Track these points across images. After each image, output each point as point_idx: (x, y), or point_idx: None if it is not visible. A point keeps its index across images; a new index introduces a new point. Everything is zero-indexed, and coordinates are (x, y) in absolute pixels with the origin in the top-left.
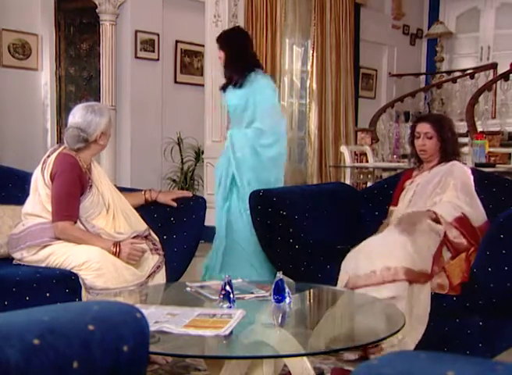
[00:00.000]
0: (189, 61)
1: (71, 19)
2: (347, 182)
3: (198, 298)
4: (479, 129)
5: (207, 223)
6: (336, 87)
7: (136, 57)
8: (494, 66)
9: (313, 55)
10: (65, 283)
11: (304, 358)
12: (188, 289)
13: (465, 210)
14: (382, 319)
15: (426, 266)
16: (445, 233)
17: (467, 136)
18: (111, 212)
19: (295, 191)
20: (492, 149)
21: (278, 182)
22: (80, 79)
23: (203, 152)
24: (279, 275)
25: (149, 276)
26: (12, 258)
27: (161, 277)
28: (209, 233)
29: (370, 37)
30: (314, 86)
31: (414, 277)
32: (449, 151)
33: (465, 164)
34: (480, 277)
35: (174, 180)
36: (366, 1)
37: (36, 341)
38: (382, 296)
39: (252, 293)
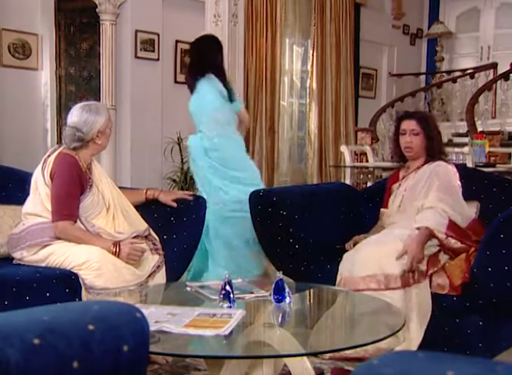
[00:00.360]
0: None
1: (71, 19)
2: (347, 182)
3: (198, 298)
4: (479, 129)
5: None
6: (336, 87)
7: (136, 57)
8: (494, 65)
9: (313, 55)
10: (65, 283)
11: (304, 358)
12: (188, 289)
13: (450, 214)
14: (382, 318)
15: (421, 266)
16: (442, 243)
17: (467, 136)
18: (111, 211)
19: (295, 191)
20: (492, 149)
21: (233, 181)
22: (80, 79)
23: None
24: (279, 275)
25: (149, 276)
26: (12, 258)
27: (161, 277)
28: None
29: (370, 37)
30: (314, 86)
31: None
32: (435, 149)
33: (450, 163)
34: (480, 277)
35: (174, 180)
36: (366, 1)
37: (36, 341)
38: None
39: (252, 293)
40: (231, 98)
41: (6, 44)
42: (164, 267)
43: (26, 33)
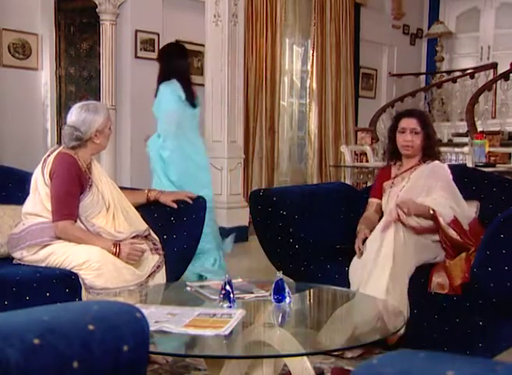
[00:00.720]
0: (189, 61)
1: (71, 19)
2: (347, 182)
3: (198, 298)
4: (479, 129)
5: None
6: (336, 86)
7: (137, 57)
8: (494, 65)
9: (313, 55)
10: (65, 283)
11: (304, 357)
12: (188, 289)
13: (456, 212)
14: (382, 318)
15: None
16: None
17: (467, 136)
18: (111, 211)
19: (295, 190)
20: (492, 149)
21: (181, 179)
22: (80, 79)
23: None
24: (279, 275)
25: (149, 275)
26: (12, 258)
27: (161, 277)
28: None
29: (370, 37)
30: (314, 86)
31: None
32: (433, 148)
33: (444, 162)
34: (480, 277)
35: None
36: (366, 1)
37: (36, 341)
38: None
39: (252, 293)
40: (193, 104)
41: (6, 44)
42: (164, 267)
43: (26, 33)
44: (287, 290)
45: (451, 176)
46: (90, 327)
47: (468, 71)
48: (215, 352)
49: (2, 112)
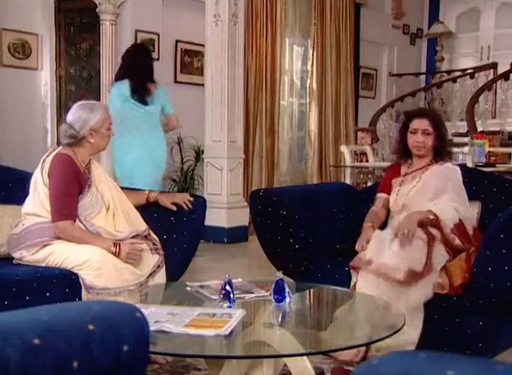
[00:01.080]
0: (189, 60)
1: (71, 19)
2: (347, 182)
3: (198, 298)
4: (479, 129)
5: (207, 222)
6: (336, 86)
7: None
8: (494, 65)
9: (313, 55)
10: (65, 283)
11: (304, 357)
12: (188, 289)
13: (462, 214)
14: (382, 318)
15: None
16: (442, 233)
17: (467, 136)
18: (111, 211)
19: (295, 190)
20: (492, 149)
21: (123, 175)
22: (80, 78)
23: (203, 152)
24: (279, 275)
25: (149, 275)
26: (12, 258)
27: (161, 277)
28: (209, 233)
29: (370, 37)
30: (314, 86)
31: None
32: (444, 149)
33: (455, 164)
34: (480, 277)
35: (174, 180)
36: (366, 0)
37: (36, 341)
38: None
39: (252, 293)
40: (143, 101)
41: (6, 44)
42: (164, 267)
43: (26, 33)
44: (287, 290)
45: (461, 179)
46: (90, 327)
47: (468, 71)
48: (215, 352)
49: (2, 112)
